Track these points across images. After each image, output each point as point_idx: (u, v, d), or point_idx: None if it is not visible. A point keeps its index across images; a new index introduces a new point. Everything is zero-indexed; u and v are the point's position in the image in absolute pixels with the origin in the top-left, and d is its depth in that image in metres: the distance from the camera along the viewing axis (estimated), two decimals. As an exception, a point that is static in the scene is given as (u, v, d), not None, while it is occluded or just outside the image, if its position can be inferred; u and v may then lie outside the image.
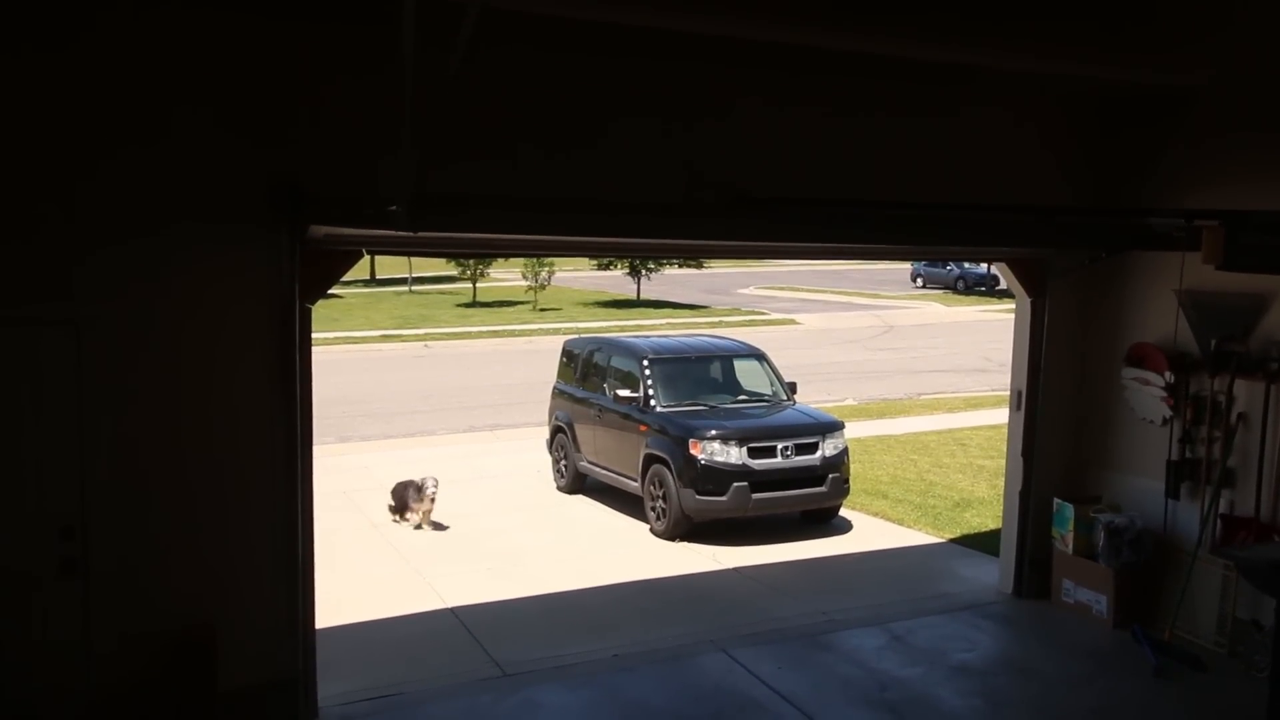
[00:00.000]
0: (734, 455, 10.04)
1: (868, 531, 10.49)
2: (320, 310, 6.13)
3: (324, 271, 6.10)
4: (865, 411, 17.36)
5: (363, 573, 8.94)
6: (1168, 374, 7.55)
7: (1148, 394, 7.75)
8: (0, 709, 5.13)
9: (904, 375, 22.14)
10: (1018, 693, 6.62)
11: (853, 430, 12.69)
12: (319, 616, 6.20)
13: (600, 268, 41.43)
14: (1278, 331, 6.99)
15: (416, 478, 10.58)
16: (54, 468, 5.33)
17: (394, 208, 5.27)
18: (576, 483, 12.04)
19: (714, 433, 10.14)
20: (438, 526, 10.48)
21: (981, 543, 9.80)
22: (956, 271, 45.35)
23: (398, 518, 10.63)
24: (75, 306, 5.29)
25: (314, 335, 6.12)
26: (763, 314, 35.20)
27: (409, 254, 28.54)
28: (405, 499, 10.56)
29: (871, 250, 8.08)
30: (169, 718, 5.48)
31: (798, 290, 44.70)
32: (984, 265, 44.50)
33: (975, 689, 6.61)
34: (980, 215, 7.10)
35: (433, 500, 10.43)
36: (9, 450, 5.26)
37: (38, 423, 5.30)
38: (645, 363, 11.15)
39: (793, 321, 33.33)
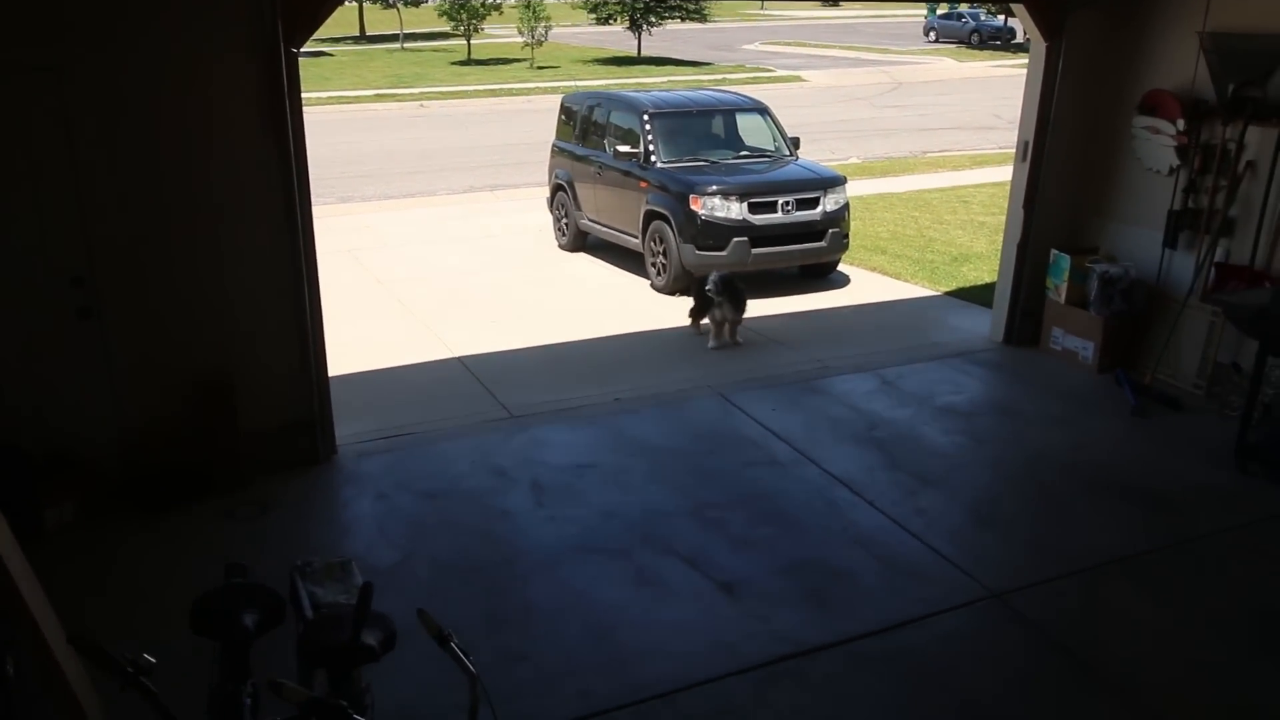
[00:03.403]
0: (734, 210, 10.00)
1: (865, 285, 10.63)
2: (311, 69, 5.96)
3: (309, 12, 5.83)
4: (869, 170, 17.11)
5: (372, 326, 9.16)
6: (1180, 121, 7.39)
7: (1157, 143, 7.62)
8: (42, 447, 5.43)
9: (911, 133, 21.64)
10: (1000, 430, 6.96)
11: (855, 188, 12.58)
12: (333, 366, 6.42)
13: (599, 22, 39.46)
14: (1298, 74, 6.78)
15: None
16: (56, 220, 5.35)
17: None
18: (578, 241, 12.08)
19: (715, 188, 10.05)
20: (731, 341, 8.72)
21: (977, 295, 9.97)
22: (971, 24, 43.26)
23: (694, 323, 9.04)
24: (55, 51, 5.11)
25: (306, 95, 5.93)
26: (768, 70, 33.91)
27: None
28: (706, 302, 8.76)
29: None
30: (195, 455, 5.80)
31: (805, 45, 42.80)
32: (1000, 17, 42.48)
33: (960, 428, 6.94)
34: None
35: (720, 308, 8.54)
36: (11, 203, 5.25)
37: (35, 175, 5.26)
38: (646, 117, 10.88)
39: (799, 78, 32.15)
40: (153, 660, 2.47)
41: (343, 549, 5.30)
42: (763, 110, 11.68)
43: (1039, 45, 7.94)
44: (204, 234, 5.70)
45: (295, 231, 5.90)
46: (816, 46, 42.32)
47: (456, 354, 8.43)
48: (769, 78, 31.96)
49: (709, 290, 8.71)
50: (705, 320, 8.93)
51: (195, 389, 5.78)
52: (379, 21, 46.48)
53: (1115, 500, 5.94)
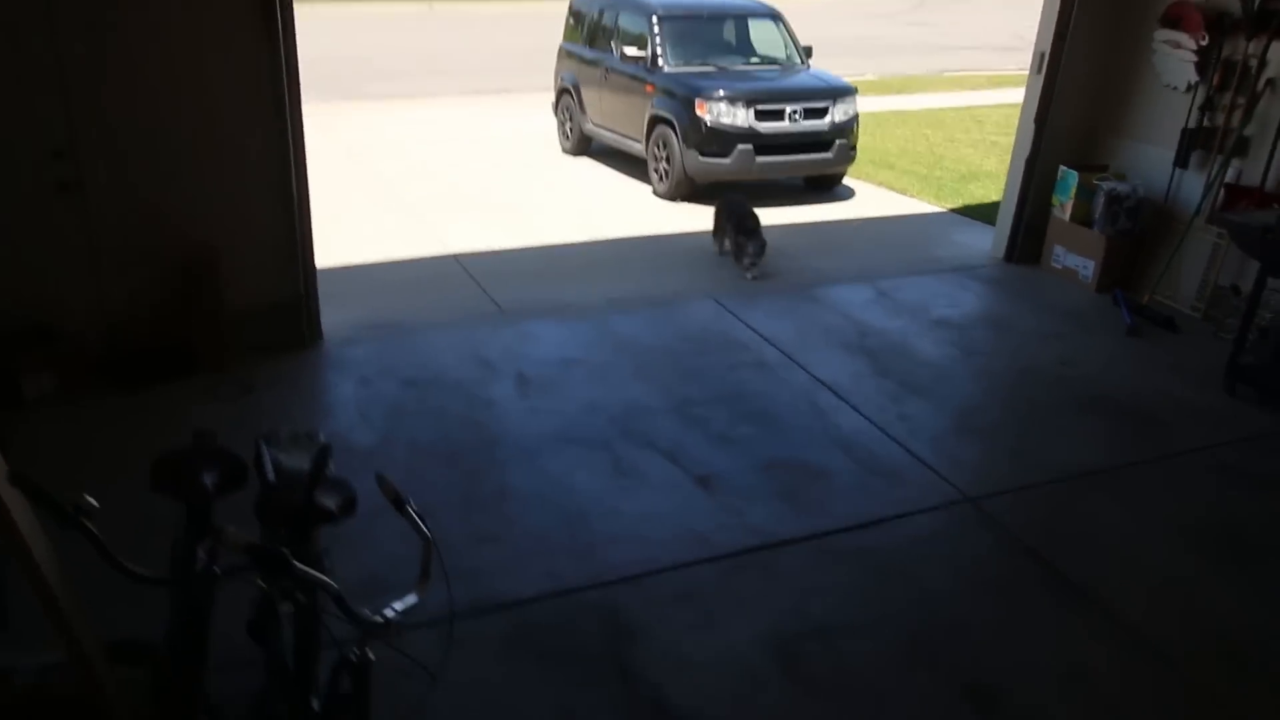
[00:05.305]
0: (740, 117, 9.80)
1: (869, 199, 10.47)
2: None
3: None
4: (884, 86, 16.73)
5: (370, 222, 9.07)
6: (1202, 35, 7.14)
7: (1177, 57, 7.38)
8: (20, 318, 5.42)
9: (931, 51, 21.11)
10: (991, 344, 6.89)
11: (869, 104, 12.31)
12: (328, 259, 6.37)
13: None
14: (1326, -14, 6.52)
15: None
16: (37, 90, 5.23)
17: None
18: (582, 145, 11.89)
19: (721, 93, 9.83)
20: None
21: (982, 213, 9.81)
22: (1006, -56, 41.82)
23: (718, 246, 8.55)
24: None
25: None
26: (791, -16, 32.94)
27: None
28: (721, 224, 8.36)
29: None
30: (179, 334, 5.79)
31: (831, -40, 41.47)
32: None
33: (951, 340, 6.88)
34: None
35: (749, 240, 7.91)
36: (-12, 66, 5.15)
37: (12, 41, 5.13)
38: (654, 20, 10.60)
39: (821, -7, 31.24)
40: (95, 503, 2.47)
41: (323, 430, 5.28)
42: (775, 16, 11.36)
43: (1061, -50, 7.65)
44: (190, 113, 5.58)
45: (284, 114, 5.78)
46: (843, -39, 41.03)
47: (453, 251, 8.36)
48: (791, -9, 31.06)
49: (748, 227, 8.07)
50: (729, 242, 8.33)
51: (179, 267, 5.73)
52: (394, -80, 45.18)
53: (1100, 415, 5.91)
